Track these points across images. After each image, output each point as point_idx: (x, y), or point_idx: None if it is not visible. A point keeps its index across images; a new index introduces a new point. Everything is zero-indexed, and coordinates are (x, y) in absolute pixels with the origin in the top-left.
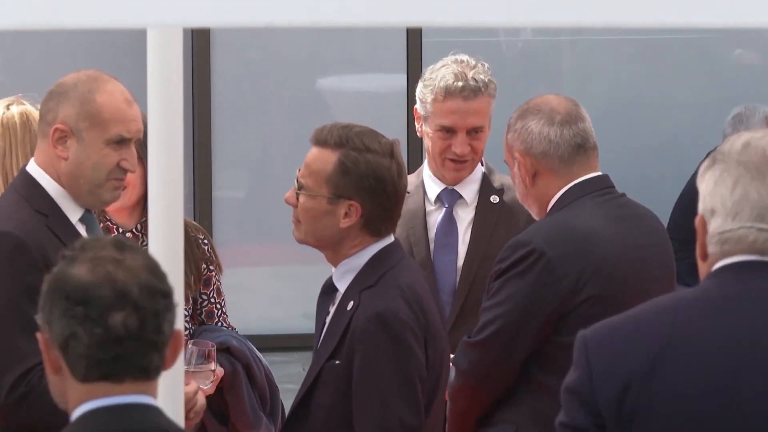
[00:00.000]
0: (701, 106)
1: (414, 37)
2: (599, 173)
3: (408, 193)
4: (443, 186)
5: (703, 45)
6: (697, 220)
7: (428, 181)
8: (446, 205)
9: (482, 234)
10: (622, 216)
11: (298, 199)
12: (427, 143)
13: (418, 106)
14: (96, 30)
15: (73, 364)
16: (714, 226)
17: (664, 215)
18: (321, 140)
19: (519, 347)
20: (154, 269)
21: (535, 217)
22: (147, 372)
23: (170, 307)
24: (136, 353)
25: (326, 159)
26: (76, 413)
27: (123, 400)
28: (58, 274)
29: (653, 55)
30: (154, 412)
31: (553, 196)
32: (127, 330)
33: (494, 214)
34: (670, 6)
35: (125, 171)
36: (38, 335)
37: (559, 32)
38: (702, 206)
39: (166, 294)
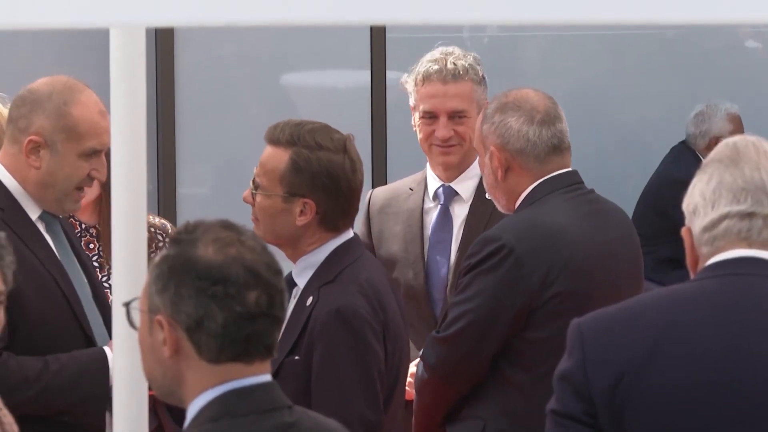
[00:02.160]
0: (665, 102)
1: (378, 33)
2: (569, 169)
3: (411, 190)
4: (441, 183)
5: (667, 40)
6: (683, 231)
7: (429, 178)
8: (442, 202)
9: (475, 231)
10: (591, 212)
11: (254, 198)
12: (418, 135)
13: (410, 99)
14: (58, 30)
15: (204, 345)
16: (698, 224)
17: (627, 210)
18: (274, 139)
19: (488, 343)
20: (268, 249)
21: (501, 209)
22: (270, 350)
23: (285, 286)
24: (265, 331)
25: (279, 158)
26: (208, 395)
27: (255, 380)
28: (180, 256)
29: (617, 51)
30: (277, 389)
31: (522, 192)
32: (260, 308)
33: (487, 210)
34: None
35: (93, 180)
36: (155, 318)
37: (523, 28)
38: (687, 216)
39: (282, 272)
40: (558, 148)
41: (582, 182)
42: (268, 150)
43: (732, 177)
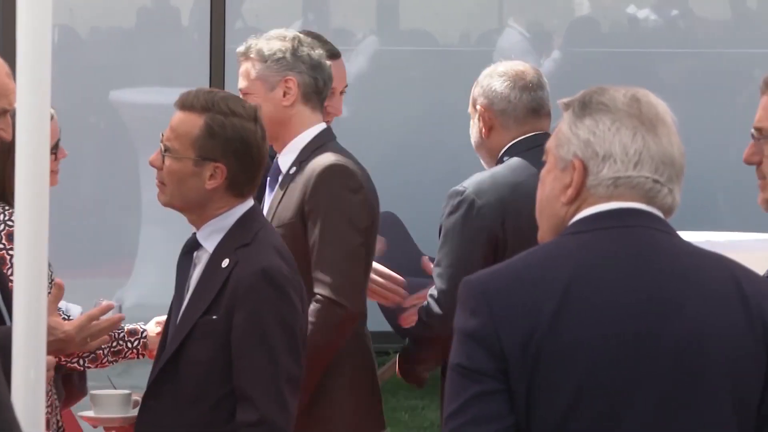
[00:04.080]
0: None
1: (217, 44)
2: (542, 131)
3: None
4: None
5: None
6: (576, 164)
7: None
8: (268, 176)
9: (273, 204)
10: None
11: (163, 161)
12: None
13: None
14: None
15: None
16: (609, 171)
17: None
18: (187, 104)
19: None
20: None
21: (485, 165)
22: None
23: None
24: None
25: (193, 122)
26: None
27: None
28: None
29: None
30: None
31: (501, 149)
32: None
33: (286, 183)
34: None
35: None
36: None
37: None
38: (582, 151)
39: None
40: (537, 112)
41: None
42: (180, 115)
43: (656, 146)
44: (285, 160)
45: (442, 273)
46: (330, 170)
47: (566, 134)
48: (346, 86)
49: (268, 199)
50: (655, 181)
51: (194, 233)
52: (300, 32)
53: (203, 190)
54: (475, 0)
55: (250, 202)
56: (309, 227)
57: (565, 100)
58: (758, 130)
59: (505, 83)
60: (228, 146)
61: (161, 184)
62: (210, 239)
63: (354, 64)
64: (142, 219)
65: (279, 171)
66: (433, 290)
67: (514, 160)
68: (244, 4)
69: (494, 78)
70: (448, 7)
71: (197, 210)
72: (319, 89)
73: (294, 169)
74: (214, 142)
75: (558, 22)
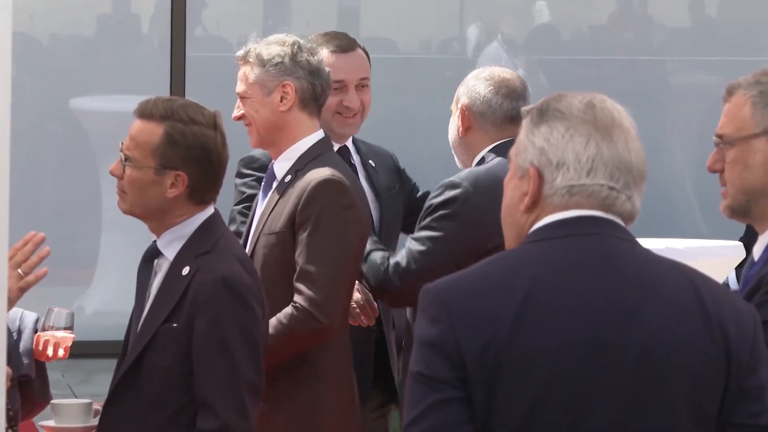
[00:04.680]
0: None
1: (178, 52)
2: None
3: None
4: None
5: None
6: (532, 172)
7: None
8: (265, 182)
9: (266, 211)
10: None
11: (124, 170)
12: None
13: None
14: None
15: None
16: (563, 179)
17: None
18: (146, 113)
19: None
20: None
21: (459, 164)
22: None
23: None
24: None
25: (152, 131)
26: None
27: None
28: None
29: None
30: None
31: (479, 152)
32: None
33: (281, 191)
34: None
35: None
36: None
37: None
38: (537, 159)
39: None
40: (515, 120)
41: None
42: (139, 124)
43: (609, 152)
44: (281, 167)
45: (425, 246)
46: (325, 184)
47: (524, 142)
48: (365, 78)
49: (261, 204)
50: (611, 188)
51: (154, 241)
52: (316, 35)
53: (164, 198)
54: (436, 8)
55: (210, 210)
56: (297, 238)
57: (526, 107)
58: (719, 136)
59: (490, 88)
60: (189, 154)
61: (122, 192)
62: (170, 247)
63: None
64: (102, 226)
65: (274, 177)
66: (401, 256)
67: (500, 160)
68: (204, 11)
69: (480, 81)
70: (408, 15)
71: (158, 218)
72: (317, 95)
73: (289, 177)
74: (174, 151)
75: (518, 30)
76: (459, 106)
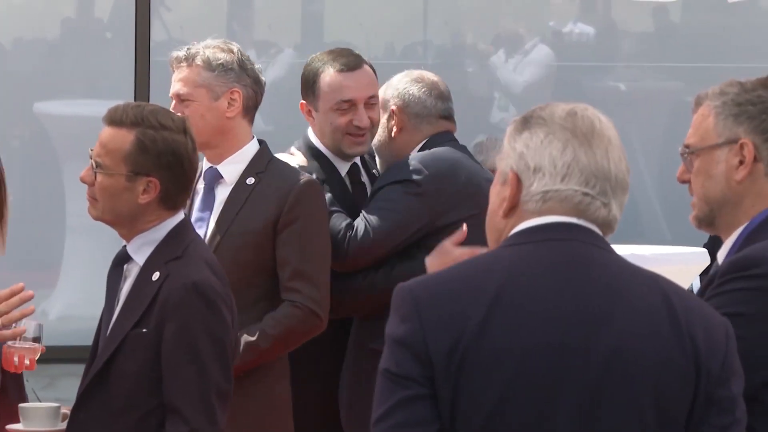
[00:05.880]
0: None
1: (142, 56)
2: (447, 130)
3: None
4: (209, 165)
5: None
6: (510, 177)
7: (204, 161)
8: (206, 183)
9: (231, 212)
10: (470, 155)
11: (95, 177)
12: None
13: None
14: None
15: None
16: (538, 184)
17: None
18: (116, 119)
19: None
20: None
21: (380, 165)
22: None
23: None
24: None
25: (123, 138)
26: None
27: None
28: None
29: None
30: None
31: (410, 150)
32: None
33: (246, 194)
34: None
35: None
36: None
37: None
38: (516, 164)
39: None
40: (446, 119)
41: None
42: (109, 131)
43: (587, 159)
44: (230, 169)
45: (381, 217)
46: (309, 186)
47: (506, 148)
48: (373, 96)
49: (217, 204)
50: (585, 194)
51: (124, 246)
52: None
53: (136, 204)
54: (400, 12)
55: (180, 215)
56: (283, 239)
57: (516, 117)
58: (686, 146)
59: (423, 89)
60: (160, 160)
61: (93, 199)
62: (140, 252)
63: (277, 76)
64: (67, 230)
65: (219, 179)
66: (358, 226)
67: (444, 147)
68: (168, 15)
69: (411, 83)
70: (372, 20)
71: (129, 224)
72: (256, 104)
73: (252, 179)
74: (146, 157)
75: (482, 35)
76: (389, 108)
